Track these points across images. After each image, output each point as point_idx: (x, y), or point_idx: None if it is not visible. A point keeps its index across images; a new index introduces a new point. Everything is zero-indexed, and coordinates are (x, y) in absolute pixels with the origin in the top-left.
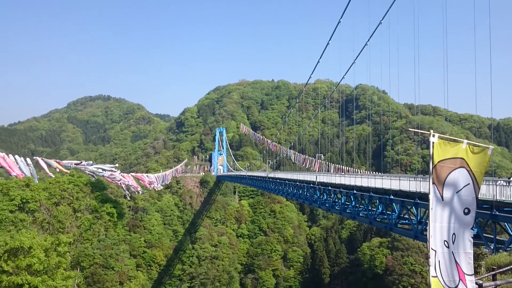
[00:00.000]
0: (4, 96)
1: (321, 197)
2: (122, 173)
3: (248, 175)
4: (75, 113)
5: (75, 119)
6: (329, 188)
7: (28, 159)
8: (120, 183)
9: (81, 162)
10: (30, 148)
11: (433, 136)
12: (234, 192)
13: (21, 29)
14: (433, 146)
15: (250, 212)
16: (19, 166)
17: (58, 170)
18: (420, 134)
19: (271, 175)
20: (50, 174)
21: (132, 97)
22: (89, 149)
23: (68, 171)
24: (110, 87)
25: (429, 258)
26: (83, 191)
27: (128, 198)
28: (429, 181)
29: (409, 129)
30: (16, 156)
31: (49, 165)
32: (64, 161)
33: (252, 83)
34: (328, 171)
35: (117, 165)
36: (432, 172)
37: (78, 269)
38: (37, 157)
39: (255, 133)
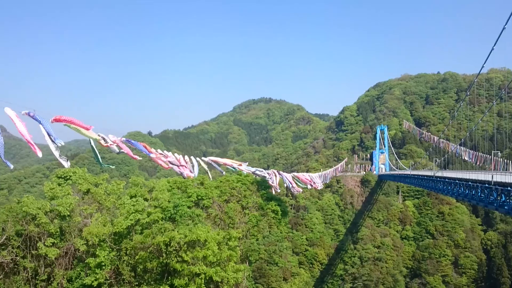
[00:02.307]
0: (180, 104)
1: (499, 198)
2: (279, 172)
3: (413, 174)
4: (240, 116)
5: (240, 122)
6: (509, 188)
7: (200, 159)
8: (284, 182)
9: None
10: (202, 149)
11: None
12: (397, 192)
13: (193, 45)
14: None
15: (416, 213)
16: (192, 165)
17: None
18: None
19: (439, 174)
20: (222, 171)
21: (292, 98)
22: (253, 149)
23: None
24: (272, 90)
25: None
26: (250, 190)
27: (290, 197)
28: None
29: None
30: (192, 157)
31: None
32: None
33: (415, 77)
34: (506, 169)
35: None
36: None
37: (247, 263)
38: (209, 157)
39: (420, 130)
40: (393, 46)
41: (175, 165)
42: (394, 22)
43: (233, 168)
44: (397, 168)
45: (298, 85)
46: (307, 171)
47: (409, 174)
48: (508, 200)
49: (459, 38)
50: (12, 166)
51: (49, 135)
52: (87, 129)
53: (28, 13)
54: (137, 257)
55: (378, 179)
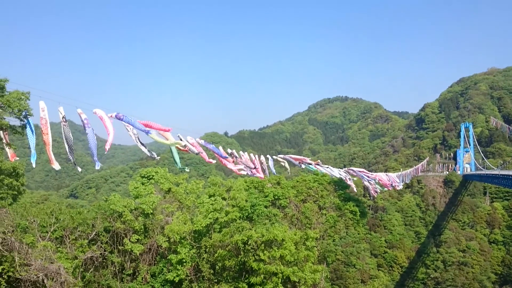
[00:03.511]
0: (256, 105)
1: None
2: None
3: (502, 174)
4: (315, 115)
5: (315, 121)
6: None
7: (274, 158)
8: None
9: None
10: (277, 149)
11: None
12: (485, 193)
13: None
14: None
15: (505, 216)
16: (268, 165)
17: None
18: None
19: None
20: (300, 164)
21: (369, 96)
22: (328, 149)
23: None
24: (348, 88)
25: None
26: (327, 190)
27: (368, 197)
28: None
29: None
30: (268, 156)
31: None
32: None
33: (503, 70)
34: None
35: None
36: None
37: (324, 263)
38: (285, 155)
39: (509, 127)
40: (478, 40)
41: (248, 168)
42: (479, 15)
43: (310, 166)
44: (483, 167)
45: (375, 82)
46: (385, 171)
47: (498, 174)
48: None
49: None
50: (99, 166)
51: (138, 136)
52: (167, 131)
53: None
54: (216, 255)
55: (463, 180)
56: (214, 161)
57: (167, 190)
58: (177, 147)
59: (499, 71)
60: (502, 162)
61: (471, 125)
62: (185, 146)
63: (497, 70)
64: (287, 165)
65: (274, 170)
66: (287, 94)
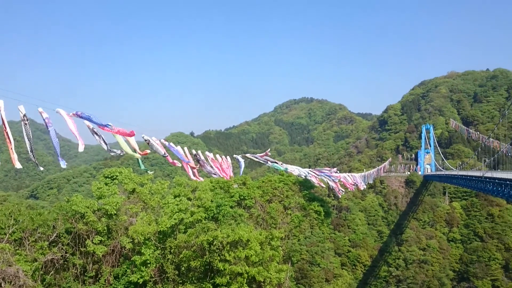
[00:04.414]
0: (222, 105)
1: None
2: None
3: (460, 175)
4: (281, 116)
5: (281, 122)
6: None
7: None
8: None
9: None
10: (243, 149)
11: None
12: (444, 193)
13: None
14: None
15: (463, 215)
16: (231, 164)
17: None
18: None
19: (488, 174)
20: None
21: (334, 97)
22: (294, 149)
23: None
24: (313, 90)
25: None
26: (292, 190)
27: (333, 197)
28: None
29: None
30: (235, 155)
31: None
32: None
33: (462, 74)
34: None
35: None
36: None
37: (289, 263)
38: (248, 154)
39: (467, 129)
40: (439, 43)
41: (212, 170)
42: (439, 20)
43: (275, 165)
44: (443, 168)
45: (340, 84)
46: (349, 171)
47: (457, 175)
48: None
49: (509, 33)
50: (65, 165)
51: (96, 132)
52: (129, 135)
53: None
54: (181, 255)
55: (424, 180)
56: (179, 164)
57: (131, 190)
58: (139, 153)
59: (458, 74)
60: (460, 163)
61: (431, 127)
62: (143, 150)
63: (456, 74)
64: (242, 164)
65: (241, 171)
66: (253, 95)
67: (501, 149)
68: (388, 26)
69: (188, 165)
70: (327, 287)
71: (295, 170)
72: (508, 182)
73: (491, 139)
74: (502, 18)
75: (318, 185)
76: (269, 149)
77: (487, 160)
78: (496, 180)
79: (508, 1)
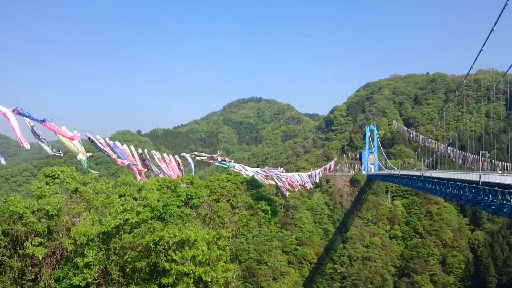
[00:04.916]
0: (170, 103)
1: (486, 198)
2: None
3: (402, 174)
4: (230, 115)
5: (230, 121)
6: (496, 188)
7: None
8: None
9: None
10: (192, 148)
11: None
12: (386, 192)
13: (185, 44)
14: None
15: (404, 212)
16: (180, 164)
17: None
18: None
19: (427, 174)
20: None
21: (282, 97)
22: (242, 149)
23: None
24: (262, 89)
25: None
26: (240, 189)
27: (281, 196)
28: None
29: None
30: (184, 154)
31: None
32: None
33: (404, 77)
34: (493, 170)
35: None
36: None
37: (236, 262)
38: (195, 154)
39: (409, 130)
40: (383, 47)
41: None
42: (384, 23)
43: (223, 163)
44: (386, 168)
45: (288, 84)
46: (297, 171)
47: (398, 174)
48: (495, 200)
49: (448, 39)
50: (4, 162)
51: (35, 131)
52: (72, 139)
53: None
54: (125, 256)
55: (367, 179)
56: (126, 163)
57: (73, 190)
58: (82, 153)
59: (401, 77)
60: (402, 163)
61: (375, 128)
62: (87, 151)
63: (399, 77)
64: (192, 163)
65: (193, 170)
66: (202, 93)
67: (439, 150)
68: (334, 28)
69: (135, 167)
70: (274, 286)
71: (243, 169)
72: (445, 181)
73: (430, 140)
74: (441, 24)
75: (266, 184)
76: (220, 151)
77: (426, 160)
78: (435, 179)
79: (445, 9)
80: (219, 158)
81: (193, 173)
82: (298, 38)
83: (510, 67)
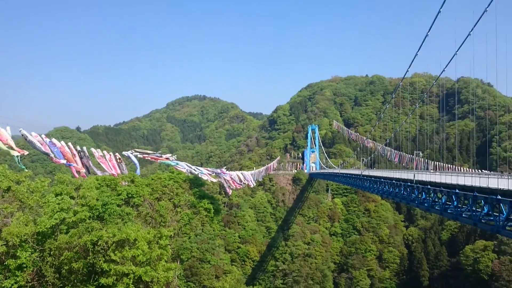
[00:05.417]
0: (111, 99)
1: (419, 196)
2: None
3: (342, 173)
4: (173, 113)
5: (174, 119)
6: (428, 187)
7: (131, 154)
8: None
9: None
10: (134, 146)
11: None
12: (327, 190)
13: (128, 39)
14: None
15: (344, 210)
16: (123, 163)
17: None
18: None
19: (366, 173)
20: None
21: (226, 96)
22: (186, 147)
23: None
24: (206, 88)
25: None
26: (182, 187)
27: (224, 195)
28: None
29: None
30: (126, 153)
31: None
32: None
33: (345, 79)
34: (426, 169)
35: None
36: None
37: (178, 261)
38: (137, 151)
39: (349, 130)
40: (325, 48)
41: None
42: (325, 24)
43: (165, 162)
44: (327, 167)
45: (232, 83)
46: (240, 169)
47: (338, 173)
48: (428, 198)
49: (386, 42)
50: None
51: None
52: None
53: None
54: (62, 257)
55: (309, 178)
56: (63, 161)
57: (6, 188)
58: (16, 150)
59: (341, 79)
60: (342, 162)
61: (317, 128)
62: (21, 147)
63: (339, 78)
64: (136, 161)
65: (138, 170)
66: (145, 90)
67: (377, 149)
68: (277, 29)
69: (73, 167)
70: (216, 284)
71: (186, 167)
72: (382, 179)
73: (368, 140)
74: (380, 27)
75: (209, 182)
76: (170, 155)
77: (365, 159)
78: (372, 178)
79: (384, 13)
80: (170, 158)
81: (138, 173)
82: (239, 37)
83: (443, 71)
